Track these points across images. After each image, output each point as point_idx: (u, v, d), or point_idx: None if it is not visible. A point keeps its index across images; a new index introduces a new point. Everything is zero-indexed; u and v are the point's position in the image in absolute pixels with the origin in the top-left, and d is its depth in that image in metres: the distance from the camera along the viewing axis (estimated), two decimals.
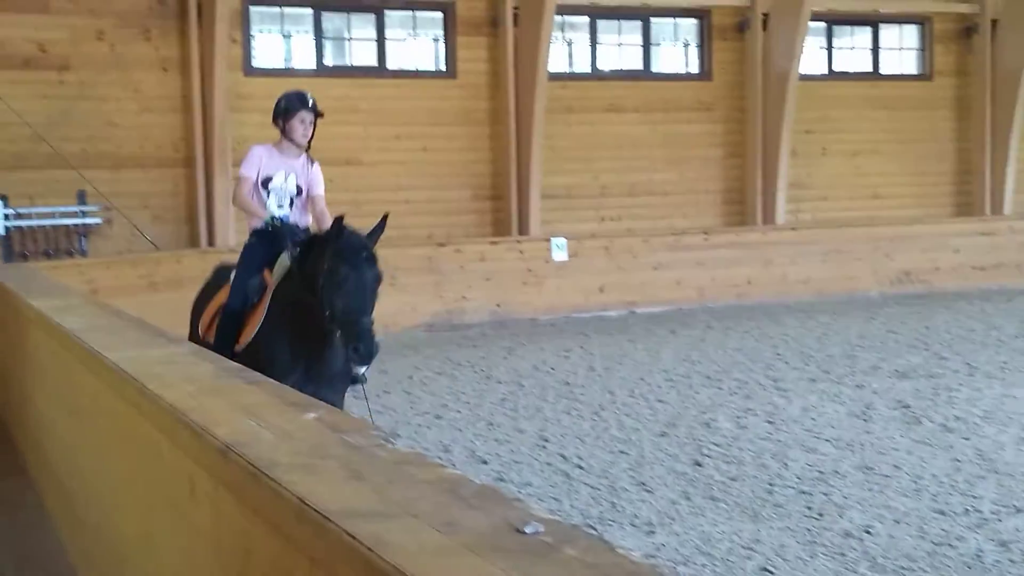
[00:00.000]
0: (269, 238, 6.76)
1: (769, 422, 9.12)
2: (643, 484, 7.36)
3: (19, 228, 14.04)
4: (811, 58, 18.53)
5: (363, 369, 6.13)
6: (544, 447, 8.48)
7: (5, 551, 5.47)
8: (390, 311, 11.18)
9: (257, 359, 6.07)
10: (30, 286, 7.22)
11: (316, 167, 7.17)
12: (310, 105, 7.01)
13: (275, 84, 15.78)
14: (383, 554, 1.27)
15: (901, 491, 7.07)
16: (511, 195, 16.57)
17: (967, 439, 8.38)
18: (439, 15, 16.82)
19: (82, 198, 14.37)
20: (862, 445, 8.27)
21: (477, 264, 15.76)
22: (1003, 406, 9.47)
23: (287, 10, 16.23)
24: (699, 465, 7.83)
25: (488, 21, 16.72)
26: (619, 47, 17.99)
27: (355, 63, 16.58)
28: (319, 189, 7.12)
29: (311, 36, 16.33)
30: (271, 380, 2.78)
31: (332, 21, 16.54)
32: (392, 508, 1.43)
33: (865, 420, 9.15)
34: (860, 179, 19.09)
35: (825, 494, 7.06)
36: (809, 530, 6.36)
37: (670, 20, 18.21)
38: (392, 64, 16.65)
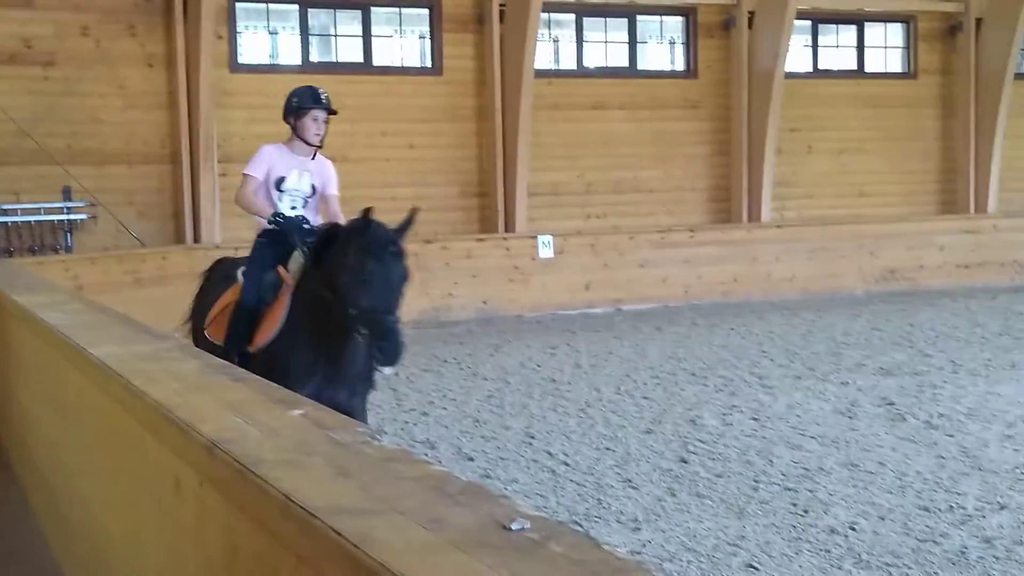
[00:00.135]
0: (279, 237, 6.46)
1: (754, 419, 9.14)
2: (629, 481, 7.37)
3: (4, 224, 13.99)
4: (797, 56, 18.58)
5: (388, 370, 5.86)
6: (530, 444, 8.48)
7: None
8: None
9: (274, 361, 5.91)
10: (14, 282, 7.19)
11: (330, 165, 6.87)
12: (324, 102, 6.66)
13: (261, 80, 15.82)
14: (369, 551, 1.26)
15: (886, 488, 7.09)
16: (497, 192, 16.57)
17: (951, 436, 8.41)
18: (425, 12, 16.80)
19: (67, 194, 14.32)
20: (847, 442, 8.29)
21: (463, 261, 15.76)
22: (987, 403, 9.51)
23: (273, 6, 16.19)
24: (685, 462, 7.84)
25: (474, 18, 16.72)
26: (605, 44, 18.00)
27: (341, 59, 16.56)
28: (333, 188, 6.81)
29: (297, 32, 16.30)
30: (256, 377, 2.77)
31: (318, 17, 16.51)
32: (378, 505, 1.43)
33: (850, 417, 9.17)
34: (845, 177, 19.15)
35: (810, 491, 7.07)
36: (794, 527, 6.37)
37: (656, 18, 18.23)
38: (378, 61, 16.62)
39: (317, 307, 5.86)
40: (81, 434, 3.85)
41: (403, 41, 16.95)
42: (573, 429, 8.95)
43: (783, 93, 17.78)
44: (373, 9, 16.57)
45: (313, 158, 6.71)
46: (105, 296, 10.06)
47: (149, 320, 5.11)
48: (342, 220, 6.33)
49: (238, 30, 15.91)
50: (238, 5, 15.83)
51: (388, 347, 5.49)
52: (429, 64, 16.89)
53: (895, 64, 19.79)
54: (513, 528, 1.30)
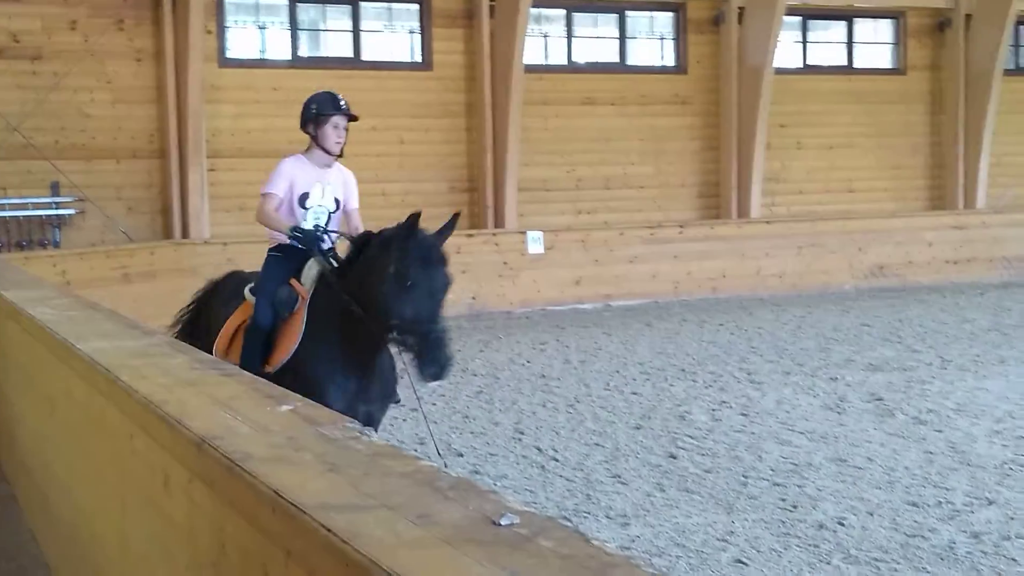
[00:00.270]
0: (292, 251, 6.12)
1: (743, 415, 9.16)
2: (618, 476, 7.38)
3: None
4: (786, 52, 18.61)
5: (434, 384, 5.51)
6: (519, 440, 8.49)
7: None
8: None
9: (298, 379, 5.55)
10: (2, 277, 7.17)
11: (352, 178, 6.54)
12: (344, 107, 6.32)
13: (250, 75, 15.81)
14: (359, 546, 1.27)
15: (874, 483, 7.11)
16: (487, 188, 16.57)
17: (940, 432, 8.43)
18: (415, 7, 16.78)
19: (55, 189, 14.28)
20: (835, 437, 8.31)
21: (453, 256, 15.50)
22: (975, 399, 9.54)
23: (262, 1, 16.15)
24: (673, 457, 7.85)
25: (464, 13, 16.70)
26: (595, 40, 18.01)
27: (330, 54, 16.53)
28: (355, 202, 6.50)
29: (286, 27, 16.26)
30: (246, 372, 2.77)
31: (307, 12, 16.47)
32: (368, 500, 1.44)
33: (838, 413, 9.19)
34: (834, 173, 19.19)
35: (799, 486, 7.09)
36: (783, 522, 6.39)
37: (646, 13, 18.24)
38: (368, 56, 16.59)
39: (343, 319, 5.60)
40: (70, 430, 3.84)
41: (393, 36, 16.93)
42: (562, 425, 8.96)
43: (773, 89, 17.80)
44: (363, 4, 16.54)
45: (336, 170, 6.43)
46: (93, 292, 10.05)
47: (137, 315, 5.11)
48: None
49: (227, 25, 15.87)
50: (227, 0, 15.79)
51: (437, 359, 5.21)
52: (419, 59, 16.87)
53: (884, 60, 19.83)
54: (502, 523, 1.30)
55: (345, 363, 5.64)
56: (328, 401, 5.31)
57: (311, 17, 16.57)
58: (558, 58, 17.68)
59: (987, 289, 17.33)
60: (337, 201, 6.33)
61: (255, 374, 5.57)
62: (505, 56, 16.28)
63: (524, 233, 16.21)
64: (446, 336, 5.25)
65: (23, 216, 14.10)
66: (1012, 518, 6.33)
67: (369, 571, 1.21)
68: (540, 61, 17.38)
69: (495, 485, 7.02)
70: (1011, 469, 7.35)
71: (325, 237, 6.09)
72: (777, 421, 8.92)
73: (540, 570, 1.17)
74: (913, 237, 18.47)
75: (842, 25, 19.54)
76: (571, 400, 9.86)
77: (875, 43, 19.79)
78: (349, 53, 16.53)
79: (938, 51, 19.70)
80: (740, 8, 17.78)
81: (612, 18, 17.95)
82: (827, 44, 19.58)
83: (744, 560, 5.78)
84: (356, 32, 16.56)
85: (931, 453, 7.82)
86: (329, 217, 6.27)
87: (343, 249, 6.05)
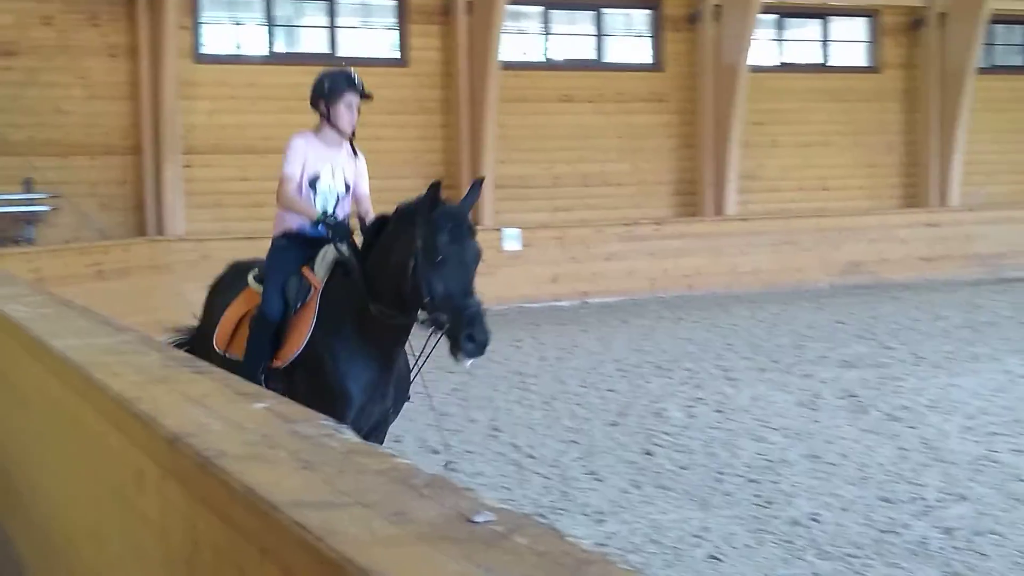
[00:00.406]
0: (303, 240, 5.77)
1: (718, 412, 9.19)
2: (594, 473, 7.39)
3: None
4: (762, 50, 18.67)
5: (470, 362, 5.09)
6: (496, 437, 8.49)
7: None
8: None
9: (310, 375, 5.37)
10: None
11: (361, 160, 6.10)
12: (359, 86, 5.93)
13: (225, 71, 15.74)
14: (333, 543, 1.26)
15: (848, 479, 7.14)
16: (464, 185, 16.53)
17: (913, 428, 8.48)
18: (391, 3, 16.75)
19: (29, 185, 14.18)
20: (810, 434, 8.35)
21: None
22: (948, 395, 9.60)
23: None
24: (649, 454, 7.87)
25: (440, 10, 16.69)
26: (572, 37, 18.03)
27: (306, 50, 16.47)
28: (365, 187, 6.08)
29: (261, 23, 16.20)
30: (218, 370, 2.75)
31: (283, 8, 16.41)
32: (342, 498, 1.43)
33: (813, 409, 9.23)
34: (809, 170, 19.26)
35: (773, 482, 7.12)
36: (757, 518, 6.41)
37: (622, 11, 18.26)
38: (344, 52, 16.55)
39: (360, 311, 5.30)
40: (42, 427, 3.82)
41: (369, 32, 16.89)
42: (538, 422, 8.96)
43: (749, 87, 17.85)
44: (338, 0, 16.50)
45: (347, 151, 6.01)
46: (67, 289, 9.98)
47: (111, 313, 5.07)
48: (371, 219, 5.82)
49: (202, 21, 15.79)
50: None
51: (475, 335, 4.88)
52: (395, 55, 16.84)
53: (859, 58, 19.93)
54: (477, 521, 1.30)
55: (363, 358, 5.32)
56: (345, 398, 5.23)
57: (287, 13, 16.51)
58: (536, 55, 17.69)
59: (960, 286, 17.46)
60: (347, 184, 5.94)
61: (263, 369, 5.45)
62: (482, 53, 16.27)
63: (500, 230, 16.22)
64: (482, 310, 4.95)
65: None
66: (984, 514, 6.37)
67: (343, 568, 1.21)
68: (518, 58, 17.38)
69: (471, 482, 7.02)
70: (983, 465, 7.40)
71: (348, 228, 5.64)
72: (752, 418, 8.95)
73: (515, 567, 1.16)
74: (887, 235, 18.58)
75: (817, 23, 19.61)
76: (547, 397, 9.87)
77: (850, 41, 19.88)
78: (325, 49, 16.48)
79: (912, 50, 19.80)
80: (716, 6, 17.82)
81: (589, 15, 17.97)
82: (802, 42, 19.66)
83: (719, 556, 5.80)
84: (332, 28, 16.53)
85: (904, 449, 7.86)
86: (338, 200, 5.89)
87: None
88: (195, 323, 6.75)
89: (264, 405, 2.11)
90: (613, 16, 18.24)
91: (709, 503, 6.72)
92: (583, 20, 18.01)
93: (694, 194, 18.36)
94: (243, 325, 5.77)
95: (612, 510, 6.61)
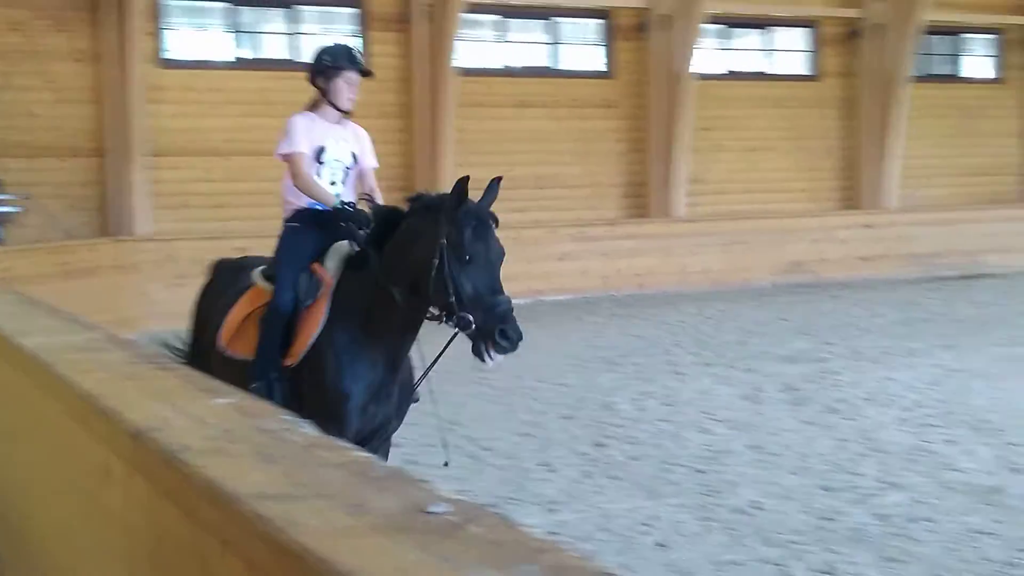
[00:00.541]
0: (314, 222, 5.42)
1: (667, 405, 9.23)
2: (547, 465, 7.40)
3: None
4: (709, 59, 18.78)
5: (492, 362, 4.93)
6: (453, 430, 8.47)
7: None
8: None
9: (315, 371, 5.08)
10: None
11: (364, 133, 5.77)
12: (359, 62, 5.64)
13: (190, 76, 15.61)
14: (293, 535, 1.25)
15: (789, 469, 7.20)
16: (419, 186, 16.50)
17: (851, 420, 8.57)
18: (352, 11, 16.69)
19: (0, 186, 14.01)
20: (753, 426, 8.41)
21: None
22: (884, 389, 9.70)
23: (201, 4, 15.97)
24: (601, 446, 7.90)
25: (399, 17, 16.64)
26: (528, 45, 18.04)
27: (269, 56, 16.38)
28: (372, 160, 5.76)
29: (226, 30, 16.09)
30: (183, 367, 2.73)
31: (246, 15, 16.31)
32: (302, 490, 1.42)
33: (756, 402, 9.30)
34: (753, 174, 19.39)
35: (718, 472, 7.17)
36: (703, 506, 6.45)
37: (576, 20, 18.30)
38: (306, 58, 16.46)
39: (369, 307, 5.04)
40: (8, 424, 3.77)
41: (331, 39, 16.78)
42: (495, 415, 8.96)
43: (696, 94, 17.94)
44: (300, 8, 16.42)
45: (348, 127, 5.69)
46: (35, 288, 9.85)
47: (78, 311, 5.02)
48: (379, 196, 5.56)
49: (167, 27, 15.68)
50: (167, 2, 15.59)
51: (507, 333, 4.76)
52: None
53: (800, 67, 20.09)
54: (433, 512, 1.30)
55: (368, 357, 5.05)
56: (346, 397, 4.99)
57: (250, 20, 16.40)
58: (492, 62, 17.69)
59: (896, 285, 17.65)
60: (354, 156, 5.60)
61: (275, 367, 5.15)
62: (439, 59, 16.24)
63: None
64: (511, 307, 4.81)
65: None
66: (918, 501, 6.46)
67: (303, 558, 1.20)
68: (475, 65, 17.37)
69: (428, 475, 7.00)
70: (918, 455, 7.49)
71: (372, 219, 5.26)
72: (698, 410, 9.01)
73: (469, 556, 1.17)
74: (827, 235, 18.73)
75: (760, 33, 19.76)
76: (503, 392, 9.87)
77: (791, 51, 20.04)
78: (288, 55, 16.39)
79: (850, 59, 19.99)
80: (664, 16, 17.90)
81: (544, 24, 18.00)
82: (746, 52, 19.79)
83: (667, 543, 5.83)
84: (294, 35, 16.44)
85: (842, 440, 7.94)
86: (346, 173, 5.57)
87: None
88: (179, 341, 6.41)
89: (227, 401, 2.10)
90: (567, 25, 18.28)
91: (657, 492, 6.75)
92: (538, 29, 18.04)
93: (644, 196, 18.43)
94: (249, 323, 5.41)
95: (565, 500, 6.63)
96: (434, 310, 4.91)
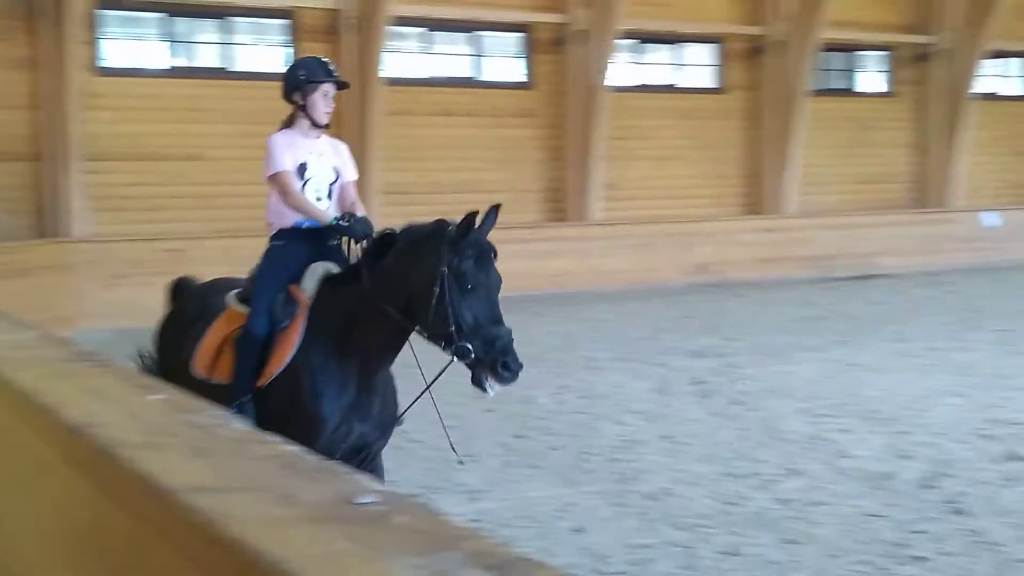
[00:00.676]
0: (299, 242, 5.10)
1: (583, 398, 9.28)
2: (470, 455, 7.40)
3: None
4: (622, 72, 18.92)
5: (492, 392, 4.73)
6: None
7: None
8: None
9: (288, 391, 4.78)
10: None
11: (343, 146, 5.46)
12: (335, 75, 5.31)
13: (126, 84, 15.34)
14: (225, 526, 1.24)
15: (696, 457, 7.27)
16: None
17: (753, 411, 8.68)
18: (283, 22, 16.53)
19: None
20: (663, 417, 8.48)
21: None
22: (783, 382, 9.85)
23: (137, 14, 15.69)
24: (521, 437, 7.91)
25: (329, 28, 16.51)
26: (452, 57, 18.02)
27: (203, 65, 16.15)
28: (352, 174, 5.40)
29: (160, 39, 15.85)
30: (119, 364, 2.68)
31: (180, 25, 16.06)
32: (234, 483, 1.41)
33: (666, 395, 9.38)
34: (664, 181, 19.56)
35: (631, 461, 7.22)
36: (617, 493, 6.49)
37: (497, 34, 18.32)
38: (239, 67, 16.29)
39: (343, 329, 4.76)
40: None
41: (263, 49, 16.63)
42: (423, 410, 8.91)
43: (610, 105, 18.06)
44: (234, 18, 16.21)
45: (326, 141, 5.36)
46: None
47: (15, 310, 4.90)
48: (361, 210, 5.23)
49: (103, 36, 15.39)
50: (103, 12, 15.29)
51: (509, 364, 4.55)
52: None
53: (707, 81, 20.33)
54: (361, 502, 1.30)
55: (341, 377, 4.78)
56: (317, 417, 4.71)
57: (184, 30, 16.15)
58: (418, 72, 17.63)
59: (795, 285, 17.91)
60: (336, 170, 5.28)
61: (248, 390, 4.86)
62: (367, 69, 16.14)
63: None
64: (512, 339, 4.60)
65: None
66: (815, 487, 6.56)
67: (235, 549, 1.19)
68: (401, 75, 17.29)
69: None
70: (814, 443, 7.60)
71: (370, 228, 5.00)
72: (612, 403, 9.06)
73: (394, 544, 1.17)
74: (731, 239, 18.97)
75: (670, 49, 19.95)
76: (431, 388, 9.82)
77: (699, 65, 20.27)
78: (221, 64, 16.20)
79: (753, 73, 20.27)
80: (581, 32, 18.00)
81: (467, 37, 17.99)
82: (657, 66, 19.97)
83: (582, 528, 5.86)
84: (227, 45, 16.24)
85: (745, 430, 8.04)
86: (330, 189, 5.23)
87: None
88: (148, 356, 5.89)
89: (161, 397, 2.07)
90: (489, 38, 18.30)
91: (574, 480, 6.78)
92: (461, 41, 18.02)
93: (561, 201, 18.51)
94: (226, 347, 5.08)
95: (487, 489, 6.64)
96: (423, 332, 4.68)
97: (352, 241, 4.97)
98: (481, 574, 1.06)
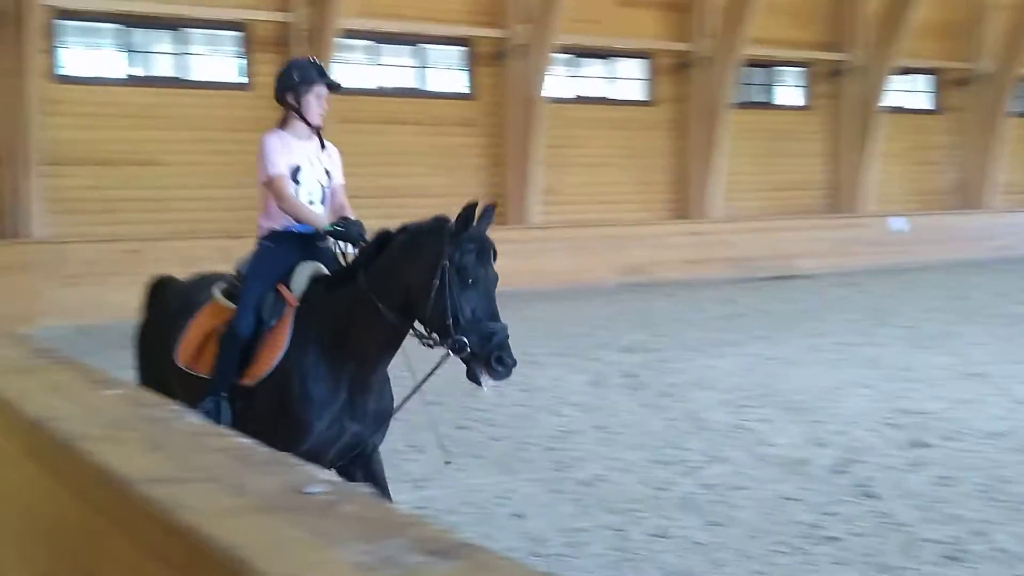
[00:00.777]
0: (289, 243, 4.82)
1: (522, 391, 9.28)
2: (415, 446, 7.37)
3: None
4: (559, 85, 18.99)
5: (487, 387, 4.50)
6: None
7: None
8: None
9: (276, 392, 4.50)
10: None
11: (335, 151, 5.14)
12: (328, 76, 5.02)
13: (85, 91, 15.09)
14: (180, 515, 1.23)
15: (628, 446, 7.31)
16: None
17: (680, 402, 8.73)
18: (236, 34, 16.36)
19: None
20: (598, 408, 8.51)
21: None
22: (708, 375, 9.93)
23: (95, 24, 15.43)
24: (464, 428, 7.89)
25: (280, 40, 16.37)
26: (397, 68, 17.95)
27: (158, 74, 15.93)
28: (341, 177, 5.13)
29: (117, 49, 15.60)
30: (77, 360, 2.63)
31: (137, 36, 15.82)
32: (188, 474, 1.40)
33: (600, 388, 9.42)
34: (598, 187, 19.66)
35: (567, 450, 7.23)
36: (554, 480, 6.50)
37: (441, 47, 18.29)
38: (193, 76, 16.09)
39: (334, 328, 4.48)
40: None
41: (217, 59, 16.44)
42: None
43: (548, 116, 18.13)
44: (187, 30, 16.01)
45: (317, 143, 5.04)
46: None
47: None
48: (350, 212, 4.98)
49: (62, 45, 15.13)
50: (62, 21, 15.02)
51: (504, 359, 4.36)
52: (240, 80, 16.44)
53: (638, 94, 20.46)
54: (310, 492, 1.29)
55: (335, 377, 4.50)
56: (304, 419, 4.45)
57: (140, 40, 15.91)
58: (366, 83, 17.54)
59: (719, 285, 18.07)
60: (328, 173, 5.01)
61: (231, 387, 4.59)
62: None
63: None
64: (508, 335, 4.40)
65: None
66: (737, 472, 6.63)
67: (189, 537, 1.18)
68: (349, 85, 17.17)
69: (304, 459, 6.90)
70: (736, 432, 7.68)
71: (365, 230, 4.70)
72: (550, 396, 9.08)
73: (342, 531, 1.16)
74: (660, 241, 19.10)
75: (604, 63, 20.05)
76: None
77: (631, 79, 20.40)
78: (177, 74, 15.99)
79: (681, 87, 20.45)
80: (520, 46, 18.03)
81: (412, 50, 17.93)
82: (592, 79, 20.07)
83: (521, 514, 5.87)
84: (183, 55, 16.03)
85: (673, 420, 8.09)
86: (323, 192, 4.97)
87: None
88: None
89: (118, 392, 2.04)
90: (432, 51, 18.26)
91: (513, 469, 6.79)
92: (406, 54, 17.96)
93: (502, 206, 18.49)
94: (209, 341, 4.79)
95: (431, 477, 6.61)
96: (422, 329, 4.45)
97: (347, 244, 4.71)
98: (425, 559, 1.06)
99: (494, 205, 4.49)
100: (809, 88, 22.39)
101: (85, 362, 2.64)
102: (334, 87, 5.03)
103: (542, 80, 17.90)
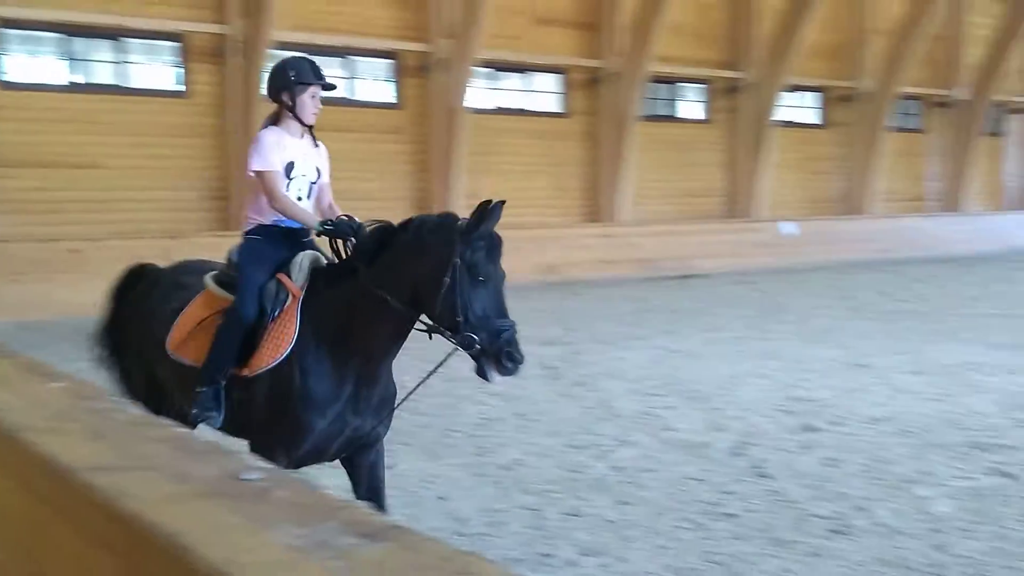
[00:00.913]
0: (277, 238, 4.52)
1: (448, 381, 9.23)
2: None
3: None
4: (481, 97, 19.00)
5: (495, 382, 4.32)
6: None
7: None
8: None
9: (278, 385, 4.18)
10: None
11: (324, 150, 4.87)
12: (324, 77, 4.79)
13: (27, 97, 14.64)
14: (123, 503, 1.21)
15: (545, 432, 7.32)
16: (235, 196, 16.03)
17: (593, 391, 8.78)
18: (174, 44, 16.03)
19: None
20: (517, 398, 8.51)
21: (206, 255, 15.12)
22: (617, 366, 10.01)
23: (37, 33, 14.99)
24: (393, 417, 7.83)
25: (216, 51, 16.10)
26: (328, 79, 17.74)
27: (99, 82, 15.53)
28: (327, 175, 4.85)
29: (59, 57, 15.18)
30: (20, 354, 2.55)
31: (78, 44, 15.40)
32: (130, 463, 1.37)
33: (520, 378, 9.40)
34: (519, 192, 19.60)
35: (489, 436, 7.23)
36: (476, 464, 6.49)
37: (370, 59, 18.17)
38: (132, 84, 15.73)
39: (339, 321, 4.18)
40: None
41: (156, 68, 16.09)
42: None
43: (471, 125, 18.12)
44: (127, 40, 15.64)
45: (309, 141, 4.76)
46: None
47: None
48: (337, 210, 4.67)
49: (5, 52, 14.69)
50: (5, 31, 14.57)
51: (513, 356, 4.20)
52: (177, 88, 16.12)
53: (554, 106, 20.57)
54: (247, 479, 1.27)
55: (340, 372, 4.21)
56: (308, 421, 4.16)
57: (81, 49, 15.49)
58: None
59: (629, 283, 18.22)
60: (318, 170, 4.75)
61: (227, 377, 4.25)
62: (250, 88, 15.80)
63: None
64: (516, 331, 4.21)
65: None
66: (646, 456, 6.69)
67: (132, 524, 1.16)
68: None
69: (245, 448, 6.79)
70: (644, 419, 7.74)
71: (359, 228, 4.32)
72: (473, 386, 9.03)
73: (277, 516, 1.15)
74: (574, 243, 19.21)
75: (521, 77, 20.11)
76: None
77: (547, 92, 20.49)
78: (117, 81, 15.61)
79: (592, 101, 20.63)
80: (443, 60, 18.00)
81: (341, 62, 17.76)
82: (511, 92, 20.11)
83: (446, 496, 5.85)
84: (123, 63, 15.66)
85: (587, 408, 8.13)
86: (311, 189, 4.69)
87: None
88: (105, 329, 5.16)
89: (61, 384, 1.98)
90: (362, 63, 18.14)
91: (438, 454, 6.77)
92: (336, 65, 17.73)
93: (427, 209, 18.43)
94: (200, 330, 4.44)
95: None
96: (427, 321, 4.21)
97: (339, 241, 4.34)
98: (356, 541, 1.05)
99: (503, 203, 4.15)
100: (709, 103, 22.75)
101: (29, 356, 2.56)
102: (330, 88, 4.86)
103: (464, 92, 17.90)
